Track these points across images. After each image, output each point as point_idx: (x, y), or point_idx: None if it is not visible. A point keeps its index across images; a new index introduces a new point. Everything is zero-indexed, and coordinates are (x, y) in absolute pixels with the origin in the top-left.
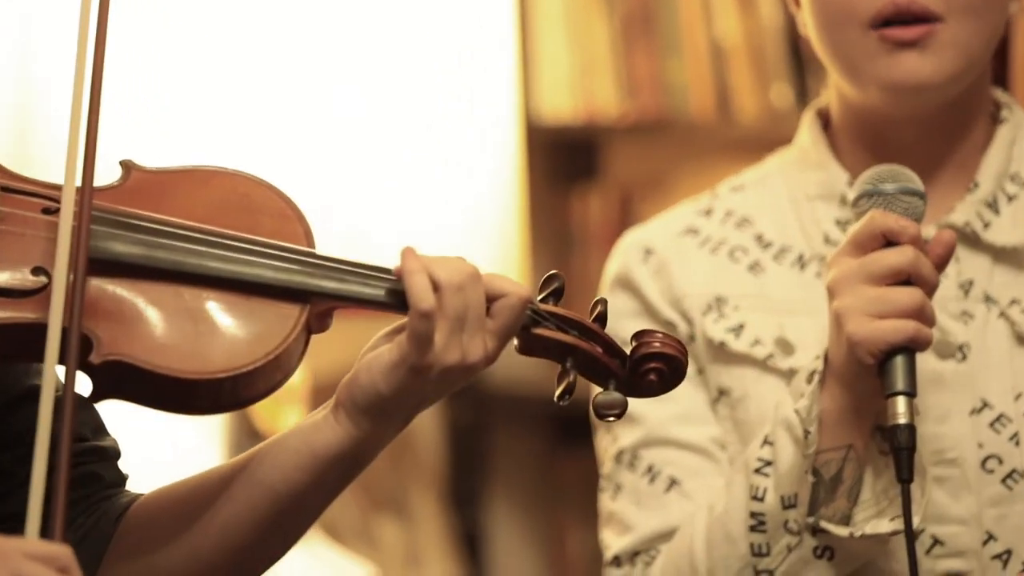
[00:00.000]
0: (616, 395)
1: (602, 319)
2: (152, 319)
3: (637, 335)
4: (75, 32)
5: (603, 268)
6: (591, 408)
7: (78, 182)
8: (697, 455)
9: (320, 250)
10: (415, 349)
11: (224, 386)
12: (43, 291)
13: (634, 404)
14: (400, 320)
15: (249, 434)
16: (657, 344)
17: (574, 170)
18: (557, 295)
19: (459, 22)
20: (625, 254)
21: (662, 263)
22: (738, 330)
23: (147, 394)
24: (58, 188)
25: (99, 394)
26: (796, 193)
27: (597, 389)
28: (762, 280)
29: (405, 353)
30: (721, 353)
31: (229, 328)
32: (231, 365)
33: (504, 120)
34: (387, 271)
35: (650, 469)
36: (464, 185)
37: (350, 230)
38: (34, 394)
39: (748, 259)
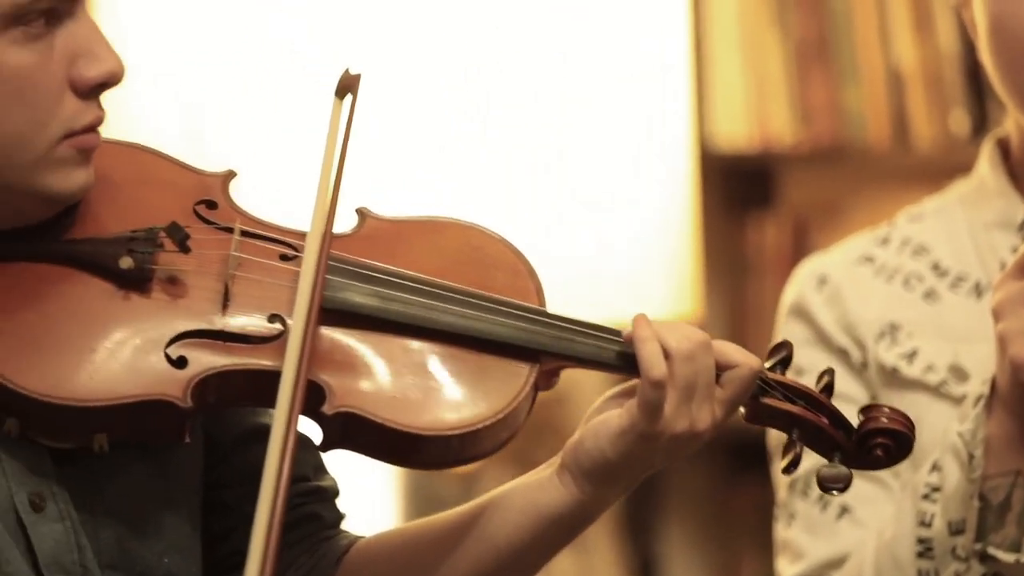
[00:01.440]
0: (842, 469)
1: (829, 389)
2: (384, 372)
3: (864, 409)
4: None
5: (778, 297)
6: (816, 479)
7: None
8: (869, 482)
9: (551, 308)
10: (645, 417)
11: (452, 443)
12: (279, 338)
13: None
14: (626, 383)
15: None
16: (885, 420)
17: (748, 198)
18: (785, 363)
19: (633, 48)
20: (800, 283)
21: (836, 291)
22: (911, 356)
23: (375, 446)
24: (297, 235)
25: (328, 443)
26: (974, 222)
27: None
28: (937, 308)
29: (634, 420)
30: (894, 379)
31: (459, 384)
32: (461, 422)
33: (678, 147)
34: (617, 333)
35: (822, 497)
36: (638, 212)
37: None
38: (262, 433)
39: (923, 287)
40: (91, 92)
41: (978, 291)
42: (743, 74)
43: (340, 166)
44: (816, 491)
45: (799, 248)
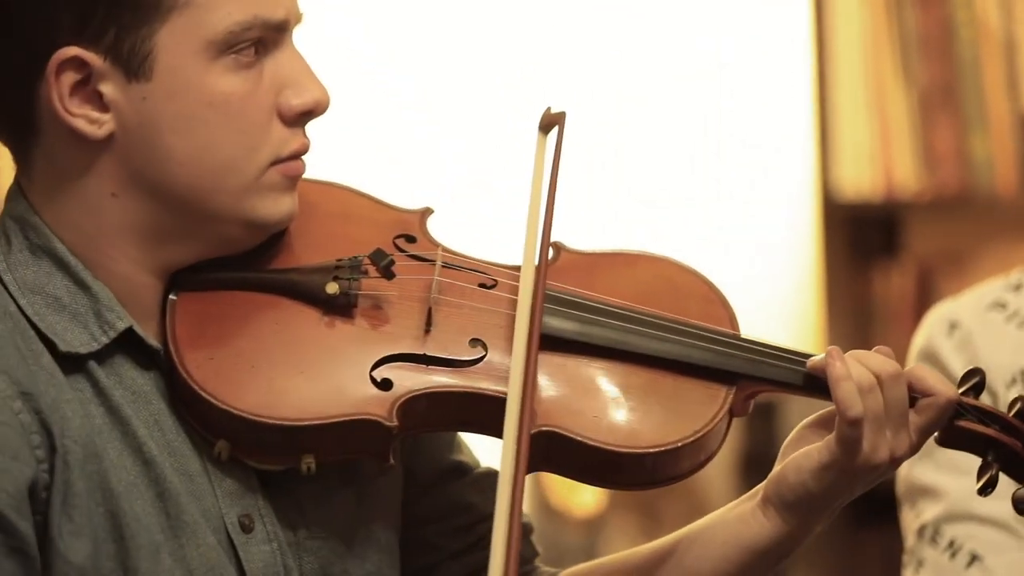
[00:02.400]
0: None
1: (1022, 415)
2: (584, 393)
3: None
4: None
5: (903, 345)
6: (1011, 502)
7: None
8: (999, 530)
9: (746, 334)
10: (844, 453)
11: (648, 462)
12: (480, 362)
13: (936, 478)
14: (821, 412)
15: (543, 509)
16: None
17: (873, 245)
18: (977, 389)
19: (757, 96)
20: (931, 328)
21: (967, 337)
22: None
23: (574, 466)
24: (494, 266)
25: (531, 465)
26: None
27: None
28: None
29: (835, 456)
30: None
31: (657, 405)
32: (659, 441)
33: (801, 194)
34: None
35: (952, 544)
36: (761, 259)
37: None
38: (460, 470)
39: None
40: (297, 120)
41: None
42: (868, 121)
43: (550, 201)
44: (945, 539)
45: (924, 296)
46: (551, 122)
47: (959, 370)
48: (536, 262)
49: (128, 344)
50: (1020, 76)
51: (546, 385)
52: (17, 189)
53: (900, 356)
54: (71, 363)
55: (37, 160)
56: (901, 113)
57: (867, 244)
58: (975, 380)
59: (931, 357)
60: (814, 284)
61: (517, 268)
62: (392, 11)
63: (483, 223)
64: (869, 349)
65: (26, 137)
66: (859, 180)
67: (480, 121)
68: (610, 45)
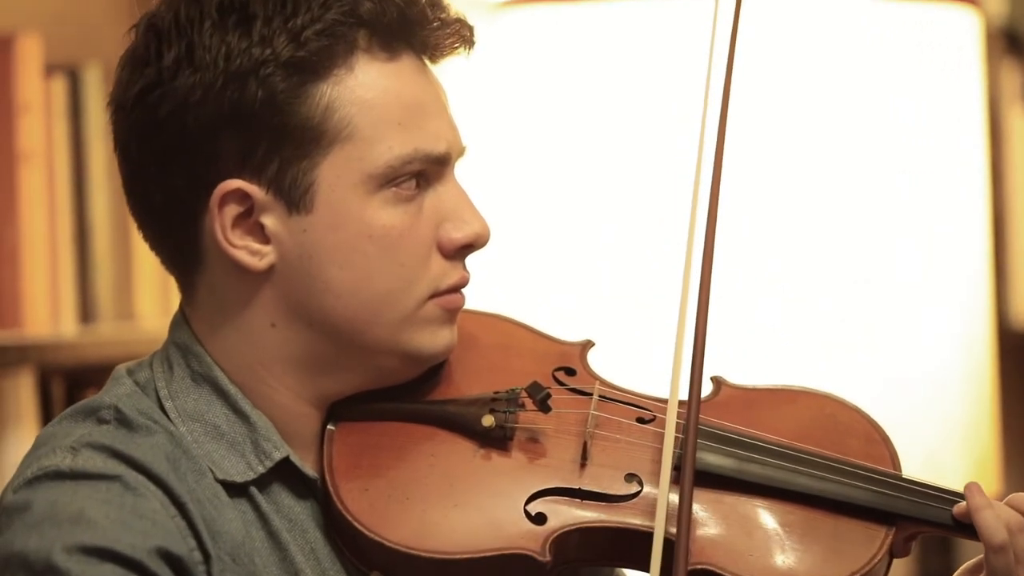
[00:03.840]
0: None
1: None
2: (740, 531)
3: None
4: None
5: None
6: None
7: (682, 396)
8: None
9: (907, 474)
10: None
11: None
12: (636, 497)
13: None
14: (976, 559)
15: None
16: None
17: None
18: None
19: (931, 223)
20: None
21: None
22: None
23: None
24: (655, 400)
25: None
26: None
27: None
28: None
29: None
30: None
31: (815, 545)
32: None
33: (977, 322)
34: None
35: None
36: (935, 387)
37: None
38: None
39: None
40: (457, 254)
41: None
42: None
43: (699, 344)
44: None
45: None
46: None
47: None
48: (688, 395)
49: (285, 473)
50: None
51: (702, 522)
52: (181, 317)
53: None
54: (233, 488)
55: (200, 289)
56: None
57: None
58: None
59: None
60: (989, 413)
61: (682, 403)
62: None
63: (650, 356)
64: None
65: (190, 267)
66: None
67: (650, 254)
68: (776, 187)
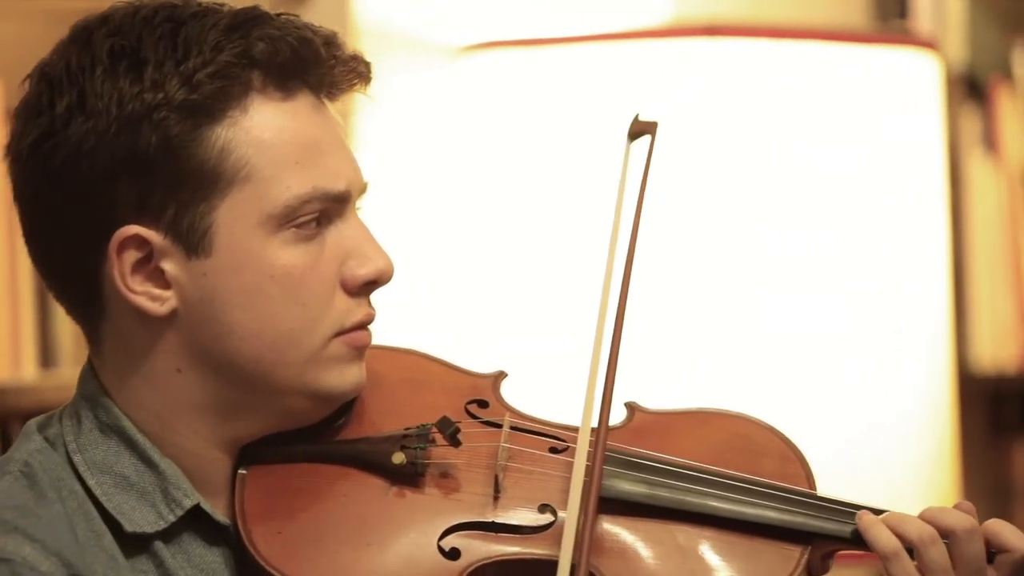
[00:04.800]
0: None
1: None
2: (654, 557)
3: None
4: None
5: None
6: None
7: (593, 423)
8: None
9: (822, 491)
10: None
11: None
12: (550, 528)
13: None
14: None
15: None
16: None
17: (1011, 420)
18: None
19: (894, 270)
20: None
21: None
22: None
23: None
24: (567, 429)
25: None
26: None
27: None
28: None
29: None
30: None
31: (730, 567)
32: None
33: (937, 369)
34: None
35: None
36: (895, 434)
37: None
38: None
39: None
40: (361, 290)
41: None
42: (1005, 295)
43: (611, 373)
44: None
45: None
46: (641, 130)
47: None
48: (600, 424)
49: (197, 521)
50: None
51: (615, 549)
52: (89, 368)
53: None
54: (136, 544)
55: (106, 339)
56: None
57: (1005, 419)
58: None
59: None
60: (950, 459)
61: (592, 431)
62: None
63: (563, 385)
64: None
65: (94, 316)
66: (997, 354)
67: (558, 281)
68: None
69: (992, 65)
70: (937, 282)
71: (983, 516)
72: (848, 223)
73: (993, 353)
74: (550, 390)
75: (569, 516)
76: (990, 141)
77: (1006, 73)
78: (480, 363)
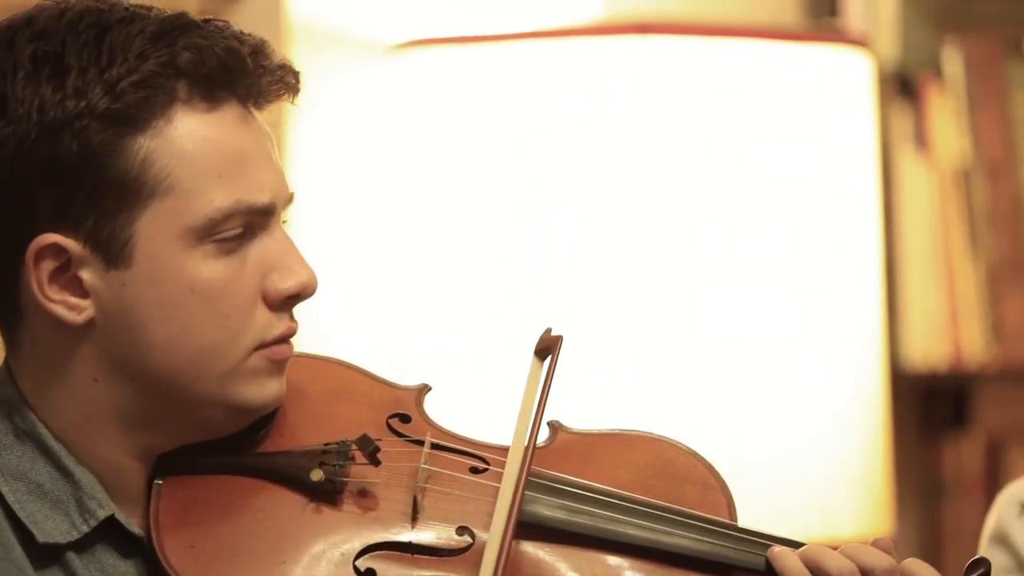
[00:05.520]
0: None
1: None
2: None
3: None
4: None
5: (973, 519)
6: None
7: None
8: None
9: (743, 523)
10: None
11: None
12: (468, 551)
13: None
14: None
15: None
16: None
17: (942, 418)
18: None
19: (824, 268)
20: (1001, 508)
21: None
22: None
23: None
24: (489, 448)
25: None
26: None
27: None
28: None
29: None
30: None
31: None
32: None
33: (869, 366)
34: None
35: None
36: (828, 430)
37: None
38: None
39: None
40: (283, 304)
41: None
42: (936, 293)
43: (539, 413)
44: None
45: (994, 469)
46: (547, 347)
47: None
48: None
49: (110, 531)
50: None
51: (531, 574)
52: (6, 371)
53: (972, 529)
54: (48, 554)
55: (23, 344)
56: (970, 285)
57: (936, 416)
58: (980, 571)
59: (1003, 540)
60: (882, 455)
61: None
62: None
63: (490, 401)
64: (939, 522)
65: (12, 321)
66: (928, 351)
67: (481, 291)
68: (660, 234)
69: (923, 63)
70: (870, 280)
71: (915, 513)
72: (780, 221)
73: (924, 351)
74: (478, 397)
75: (491, 540)
76: (921, 139)
77: (936, 71)
78: (415, 365)
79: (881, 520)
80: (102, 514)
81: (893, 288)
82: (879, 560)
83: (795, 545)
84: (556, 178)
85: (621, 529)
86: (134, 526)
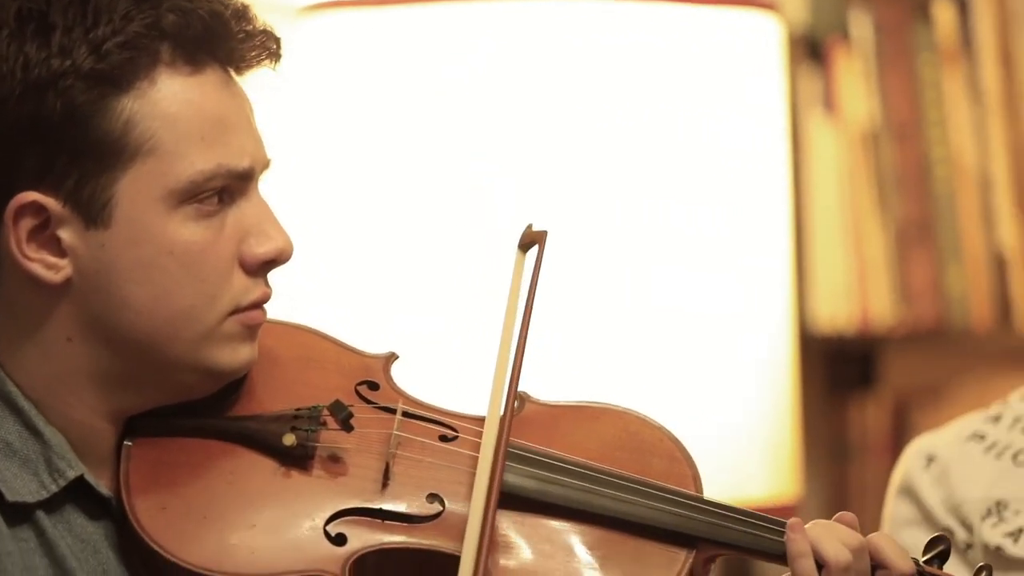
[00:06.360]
0: None
1: None
2: (540, 554)
3: None
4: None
5: (879, 479)
6: None
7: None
8: None
9: (707, 496)
10: None
11: None
12: (436, 518)
13: None
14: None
15: None
16: None
17: (849, 379)
18: (943, 557)
19: (733, 230)
20: (908, 462)
21: (943, 470)
22: (1016, 534)
23: None
24: (457, 417)
25: None
26: None
27: None
28: None
29: None
30: (999, 559)
31: (615, 567)
32: None
33: (778, 328)
34: (777, 524)
35: None
36: (737, 392)
37: None
38: None
39: None
40: (259, 269)
41: None
42: (844, 256)
43: (524, 334)
44: None
45: (900, 430)
46: (531, 240)
47: (935, 504)
48: (502, 413)
49: (79, 492)
50: (994, 212)
51: (502, 544)
52: None
53: (877, 489)
54: (17, 513)
55: None
56: (878, 248)
57: (844, 378)
58: (940, 548)
59: (909, 492)
60: (790, 417)
61: (481, 419)
62: (356, 150)
63: (453, 368)
64: (846, 482)
65: None
66: (836, 314)
67: (451, 260)
68: (579, 187)
69: (831, 26)
70: (778, 243)
71: (822, 473)
72: (688, 186)
73: (833, 313)
74: (438, 370)
75: (473, 509)
76: (830, 102)
77: (845, 34)
78: (370, 344)
79: (789, 481)
80: (71, 474)
81: (802, 251)
82: (850, 539)
83: (768, 520)
84: (474, 140)
85: (591, 499)
86: (103, 487)
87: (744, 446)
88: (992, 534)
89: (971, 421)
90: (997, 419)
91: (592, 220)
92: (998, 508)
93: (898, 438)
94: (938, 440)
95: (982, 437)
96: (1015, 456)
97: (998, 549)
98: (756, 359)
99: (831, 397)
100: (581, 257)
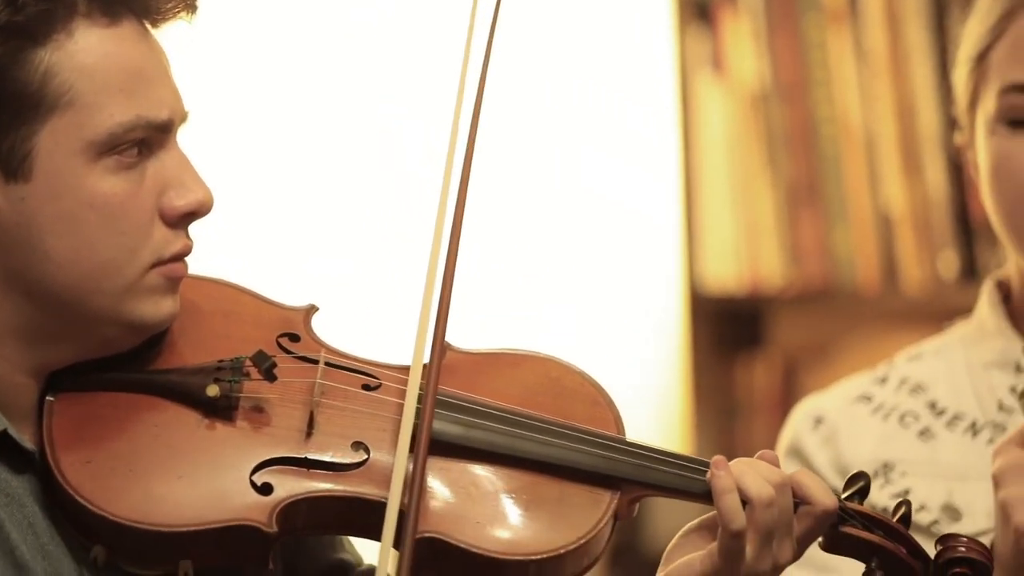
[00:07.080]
0: None
1: (906, 520)
2: (468, 498)
3: (942, 539)
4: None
5: (767, 437)
6: None
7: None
8: None
9: (630, 437)
10: (727, 563)
11: (532, 569)
12: (362, 466)
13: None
14: (705, 516)
15: None
16: (962, 549)
17: (738, 339)
18: (863, 493)
19: (622, 190)
20: (796, 423)
21: (831, 431)
22: (903, 495)
23: (457, 571)
24: (378, 366)
25: (414, 571)
26: (973, 361)
27: None
28: (932, 446)
29: (717, 566)
30: None
31: (541, 511)
32: (543, 548)
33: (668, 288)
34: (700, 464)
35: None
36: (627, 352)
37: None
38: (342, 568)
39: (919, 425)
40: (180, 221)
41: (974, 430)
42: (733, 216)
43: (445, 300)
44: None
45: (788, 389)
46: None
47: (823, 465)
48: (426, 360)
49: (2, 446)
50: (880, 172)
51: (429, 490)
52: None
53: (765, 447)
54: None
55: None
56: (766, 208)
57: (733, 337)
58: (860, 484)
59: (797, 452)
60: (680, 377)
61: (403, 369)
62: (280, 96)
63: (372, 321)
64: (734, 441)
65: None
66: (725, 274)
67: (370, 211)
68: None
69: None
70: (668, 203)
71: (712, 432)
72: (578, 145)
73: (722, 273)
74: (362, 317)
75: (399, 456)
76: (718, 62)
77: None
78: (291, 297)
79: (679, 441)
80: None
81: (691, 211)
82: (772, 475)
83: (691, 460)
84: (401, 95)
85: (514, 443)
86: (27, 441)
87: (634, 404)
88: (879, 495)
89: (858, 382)
90: (884, 381)
91: (489, 179)
92: (885, 470)
93: (786, 397)
94: (826, 402)
95: (869, 399)
96: (901, 418)
97: (885, 510)
98: (646, 318)
99: (720, 356)
100: (486, 211)
